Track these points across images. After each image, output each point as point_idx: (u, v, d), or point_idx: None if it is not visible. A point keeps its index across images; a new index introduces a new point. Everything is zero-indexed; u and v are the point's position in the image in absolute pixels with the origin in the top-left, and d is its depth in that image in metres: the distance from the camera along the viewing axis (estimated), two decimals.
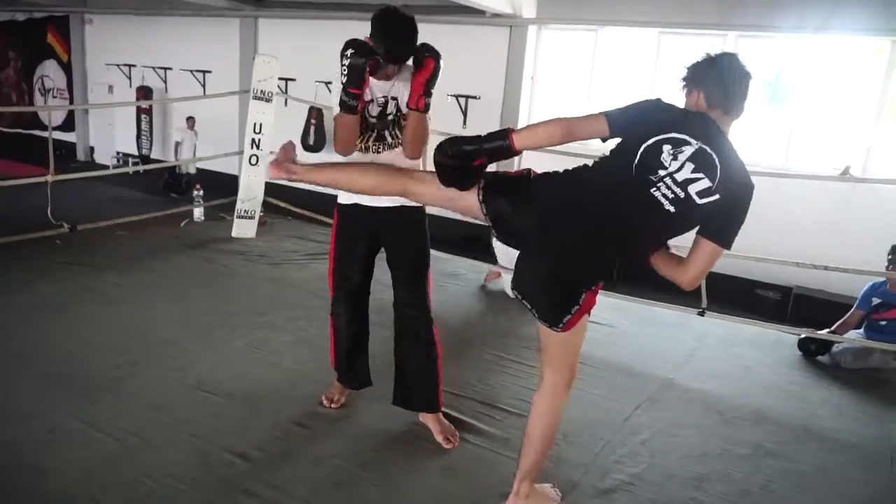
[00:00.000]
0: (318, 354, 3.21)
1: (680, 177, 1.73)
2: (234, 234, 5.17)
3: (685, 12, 7.77)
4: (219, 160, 6.62)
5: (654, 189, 1.75)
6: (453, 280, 4.70)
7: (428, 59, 2.31)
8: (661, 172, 1.74)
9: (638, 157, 1.76)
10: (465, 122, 9.57)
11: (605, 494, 2.33)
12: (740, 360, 3.60)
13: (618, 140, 1.84)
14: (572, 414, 2.84)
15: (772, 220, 7.50)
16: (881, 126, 7.44)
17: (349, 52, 2.27)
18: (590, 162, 1.91)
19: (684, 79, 1.90)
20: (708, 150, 1.73)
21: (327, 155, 7.26)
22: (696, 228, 1.82)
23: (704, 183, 1.73)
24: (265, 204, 5.47)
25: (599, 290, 1.95)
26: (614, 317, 4.08)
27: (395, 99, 2.41)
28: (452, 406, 2.79)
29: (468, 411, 2.79)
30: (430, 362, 2.56)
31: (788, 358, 3.74)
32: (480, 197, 1.95)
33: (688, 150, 1.73)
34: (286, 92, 10.62)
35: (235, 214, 5.18)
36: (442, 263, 4.94)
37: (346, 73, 2.26)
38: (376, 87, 2.39)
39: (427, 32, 9.02)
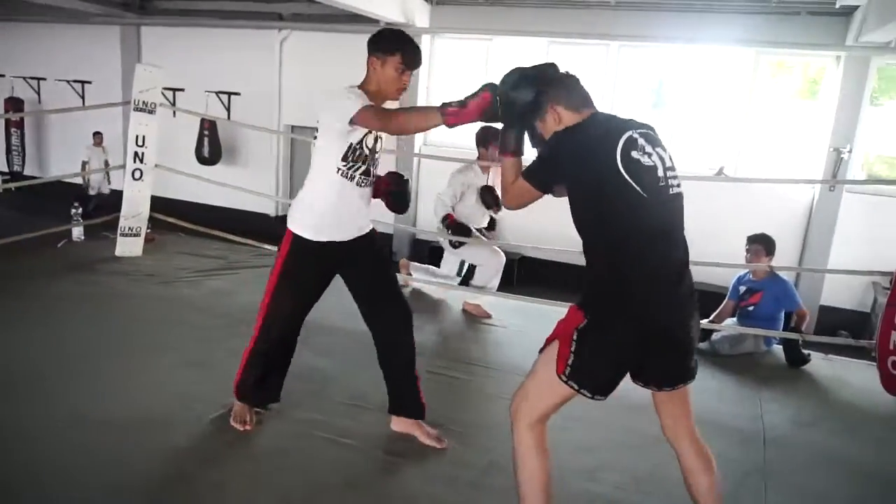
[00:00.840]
0: (211, 375, 3.09)
1: (668, 163, 1.81)
2: (118, 253, 4.88)
3: (573, 23, 8.10)
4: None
5: (671, 189, 1.79)
6: None
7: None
8: (660, 174, 1.77)
9: (632, 182, 1.72)
10: None
11: (503, 492, 2.37)
12: None
13: (580, 199, 1.81)
14: (469, 416, 2.89)
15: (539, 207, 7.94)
16: (749, 129, 8.03)
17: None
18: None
19: (535, 109, 1.93)
20: (643, 131, 1.81)
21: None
22: None
23: (667, 151, 1.84)
24: (152, 220, 5.21)
25: None
26: (507, 317, 4.17)
27: (378, 138, 2.40)
28: (352, 416, 2.77)
29: (371, 421, 2.76)
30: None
31: None
32: (569, 383, 1.80)
33: (641, 141, 1.77)
34: (174, 103, 10.19)
35: (119, 232, 4.90)
36: None
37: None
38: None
39: (321, 42, 9.00)
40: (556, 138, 1.85)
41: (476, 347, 3.77)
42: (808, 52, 7.81)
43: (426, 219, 9.56)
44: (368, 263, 2.51)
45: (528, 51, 8.69)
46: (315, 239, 2.40)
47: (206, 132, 9.96)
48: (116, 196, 6.18)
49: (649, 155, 1.75)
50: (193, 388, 2.97)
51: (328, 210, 2.40)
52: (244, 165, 10.55)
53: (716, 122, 8.15)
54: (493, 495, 2.35)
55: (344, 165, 2.34)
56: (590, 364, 1.79)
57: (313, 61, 9.85)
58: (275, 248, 5.18)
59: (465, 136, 9.18)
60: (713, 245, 5.61)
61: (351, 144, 2.33)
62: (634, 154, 1.73)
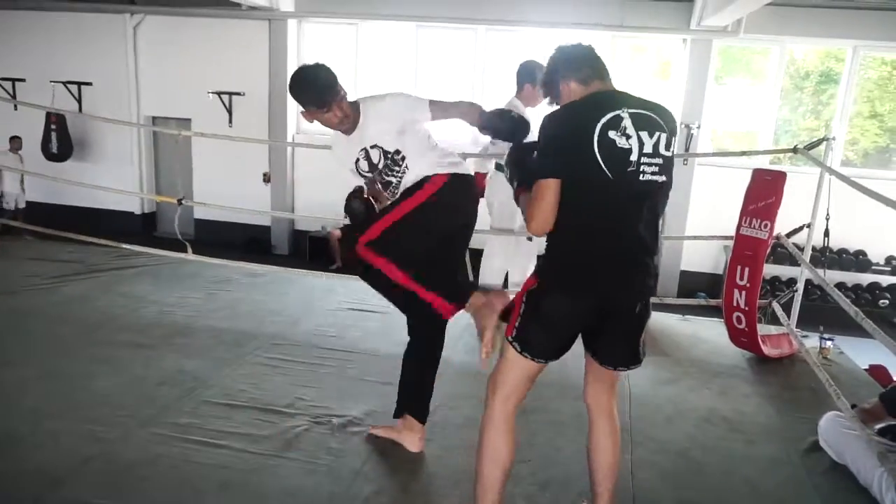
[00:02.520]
0: (70, 387, 2.87)
1: (648, 148, 1.73)
2: None
3: (439, 6, 8.16)
4: None
5: (641, 175, 1.73)
6: (225, 286, 4.46)
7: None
8: (633, 158, 1.72)
9: (601, 162, 1.70)
10: (230, 121, 9.16)
11: (383, 479, 2.38)
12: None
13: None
14: (371, 404, 2.87)
15: None
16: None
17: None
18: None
19: (547, 85, 1.96)
20: (637, 110, 1.75)
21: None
22: None
23: (664, 136, 1.77)
24: None
25: None
26: (384, 303, 4.15)
27: (375, 147, 2.35)
28: (224, 417, 2.67)
29: (245, 420, 2.67)
30: None
31: None
32: (514, 343, 1.84)
33: (627, 123, 1.72)
34: (14, 95, 9.30)
35: None
36: (215, 270, 4.67)
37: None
38: (350, 146, 2.39)
39: (179, 27, 8.56)
40: (545, 121, 1.81)
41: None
42: (657, 36, 8.33)
43: (304, 208, 9.36)
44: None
45: (397, 35, 8.68)
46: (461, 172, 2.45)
47: (53, 126, 9.17)
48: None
49: (628, 137, 1.71)
50: (47, 402, 2.74)
51: None
52: (100, 161, 9.83)
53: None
54: (370, 483, 2.34)
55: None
56: (531, 326, 1.84)
57: (172, 48, 9.31)
58: (139, 248, 4.91)
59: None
60: None
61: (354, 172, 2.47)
62: (612, 134, 1.71)
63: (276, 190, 9.35)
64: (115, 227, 8.52)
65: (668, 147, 1.78)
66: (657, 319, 4.34)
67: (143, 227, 9.77)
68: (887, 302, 7.88)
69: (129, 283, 4.40)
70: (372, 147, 2.36)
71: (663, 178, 1.78)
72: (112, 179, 8.96)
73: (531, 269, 3.96)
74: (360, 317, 3.95)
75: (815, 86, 8.56)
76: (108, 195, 8.65)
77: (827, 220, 3.71)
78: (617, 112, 1.73)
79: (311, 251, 9.26)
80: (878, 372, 3.80)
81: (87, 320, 3.68)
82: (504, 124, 2.35)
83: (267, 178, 9.37)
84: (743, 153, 6.47)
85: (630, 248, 1.81)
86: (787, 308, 4.00)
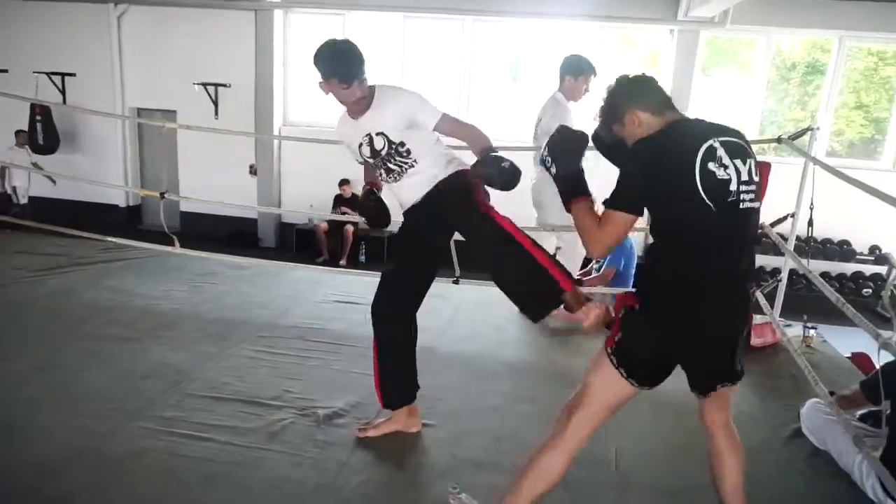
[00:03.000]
0: (60, 380, 2.86)
1: (745, 176, 1.73)
2: None
3: None
4: None
5: (742, 203, 1.73)
6: (211, 279, 4.44)
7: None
8: (733, 188, 1.71)
9: (704, 195, 1.68)
10: (216, 113, 9.09)
11: (377, 466, 2.39)
12: (493, 321, 3.90)
13: (654, 207, 1.77)
14: (357, 396, 2.87)
15: (520, 192, 8.24)
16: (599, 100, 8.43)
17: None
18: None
19: (612, 110, 1.87)
20: (725, 139, 1.74)
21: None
22: None
23: (752, 162, 1.76)
24: None
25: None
26: (370, 295, 4.14)
27: (380, 134, 2.37)
28: (209, 410, 2.67)
29: (230, 413, 2.67)
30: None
31: None
32: (624, 375, 1.81)
33: (721, 153, 1.71)
34: None
35: None
36: (201, 263, 4.65)
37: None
38: (355, 129, 2.41)
39: (163, 18, 8.45)
40: (636, 150, 1.79)
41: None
42: (643, 27, 8.34)
43: (292, 200, 9.34)
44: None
45: (384, 25, 8.64)
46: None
47: (38, 118, 9.06)
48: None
49: (725, 167, 1.70)
50: (39, 395, 2.73)
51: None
52: (86, 153, 9.73)
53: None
54: (356, 475, 2.35)
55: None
56: (633, 348, 1.82)
57: (157, 39, 9.22)
58: (125, 241, 4.87)
59: (324, 114, 9.04)
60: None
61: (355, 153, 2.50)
62: (711, 165, 1.69)
63: (262, 182, 9.30)
64: (101, 219, 8.46)
65: (755, 173, 1.78)
66: None
67: (128, 221, 9.70)
68: (871, 291, 7.96)
69: (115, 276, 4.37)
70: (377, 134, 2.38)
71: (757, 203, 1.78)
72: (98, 172, 8.89)
73: None
74: (346, 309, 3.94)
75: (802, 77, 8.60)
76: (93, 188, 8.58)
77: (811, 209, 3.74)
78: (710, 142, 1.71)
79: (297, 244, 9.23)
80: (860, 360, 3.84)
81: (75, 313, 3.66)
82: (496, 175, 2.25)
83: (253, 171, 9.32)
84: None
85: (734, 277, 1.80)
86: (770, 297, 4.03)
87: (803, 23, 7.86)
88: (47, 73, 9.34)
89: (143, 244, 4.68)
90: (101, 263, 4.60)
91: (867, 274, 8.17)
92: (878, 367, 2.45)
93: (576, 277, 2.26)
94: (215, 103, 9.11)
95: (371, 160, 2.45)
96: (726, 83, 8.59)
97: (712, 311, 1.80)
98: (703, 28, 7.90)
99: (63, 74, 9.38)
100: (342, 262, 8.71)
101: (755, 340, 3.71)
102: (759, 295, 4.02)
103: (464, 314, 4.03)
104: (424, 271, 2.55)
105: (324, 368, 3.14)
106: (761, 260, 7.81)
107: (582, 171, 1.91)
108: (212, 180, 8.82)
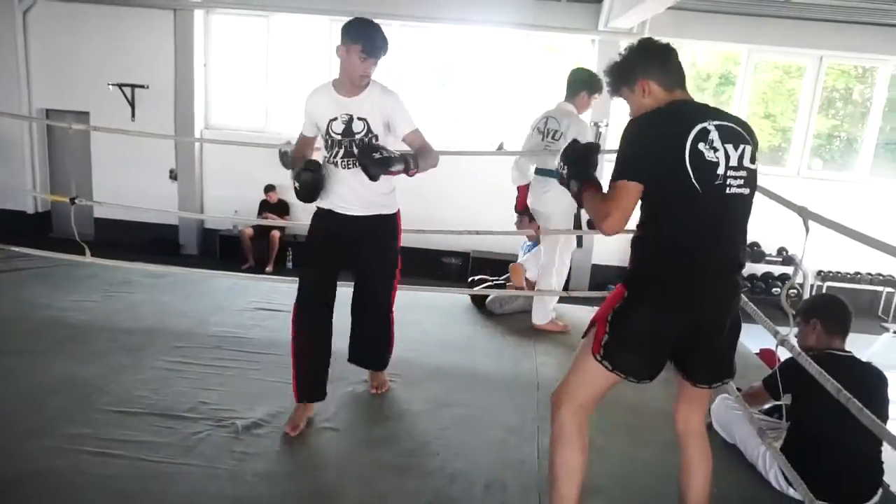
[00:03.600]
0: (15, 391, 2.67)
1: (734, 161, 1.71)
2: None
3: (352, 2, 8.04)
4: None
5: (728, 188, 1.71)
6: (126, 288, 4.25)
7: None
8: (720, 171, 1.70)
9: (692, 176, 1.68)
10: (133, 115, 8.74)
11: (296, 476, 2.34)
12: (419, 325, 3.89)
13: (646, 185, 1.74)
14: (277, 405, 2.79)
15: (450, 196, 8.30)
16: (523, 105, 8.62)
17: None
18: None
19: (622, 75, 1.86)
20: (722, 123, 1.73)
21: None
22: None
23: (749, 148, 1.74)
24: None
25: None
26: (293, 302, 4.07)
27: (362, 119, 2.46)
28: (121, 425, 2.55)
29: (143, 427, 2.56)
30: (386, 333, 2.86)
31: (460, 316, 4.16)
32: (603, 362, 1.81)
33: (714, 135, 1.70)
34: None
35: None
36: (115, 272, 4.44)
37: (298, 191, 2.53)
38: (337, 105, 2.47)
39: (73, 13, 8.07)
40: (634, 125, 1.79)
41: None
42: (566, 35, 8.56)
43: (215, 206, 9.07)
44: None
45: (310, 28, 8.53)
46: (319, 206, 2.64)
47: None
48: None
49: (715, 150, 1.69)
50: None
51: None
52: None
53: (496, 100, 8.66)
54: (275, 485, 2.30)
55: (326, 155, 2.57)
56: (622, 344, 1.79)
57: (68, 36, 8.78)
58: (30, 251, 4.60)
59: (246, 118, 8.82)
60: (501, 216, 5.98)
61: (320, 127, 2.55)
62: (701, 146, 1.69)
63: (183, 187, 8.98)
64: (6, 227, 7.97)
65: (752, 160, 1.77)
66: (566, 312, 4.45)
67: (37, 228, 9.16)
68: (779, 290, 8.42)
69: (19, 286, 4.12)
70: (359, 118, 2.47)
71: (748, 190, 1.77)
72: (3, 176, 8.38)
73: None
74: (266, 316, 3.84)
75: (716, 87, 9.03)
76: None
77: None
78: (704, 124, 1.71)
79: (222, 251, 8.97)
80: (766, 355, 4.05)
81: None
82: (369, 164, 2.36)
83: (174, 175, 9.00)
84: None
85: (720, 263, 1.79)
86: None
87: (716, 35, 8.26)
88: None
89: (50, 253, 4.42)
90: (4, 273, 4.33)
91: (776, 274, 8.63)
92: (778, 362, 2.58)
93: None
94: (132, 105, 8.75)
95: (338, 137, 2.50)
96: None
97: (700, 297, 1.78)
98: (622, 38, 8.15)
99: None
100: (268, 268, 8.53)
101: None
102: None
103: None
104: (335, 273, 2.68)
105: (242, 378, 3.05)
106: None
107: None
108: (129, 185, 8.44)
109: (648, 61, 1.84)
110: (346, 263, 2.68)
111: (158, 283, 4.40)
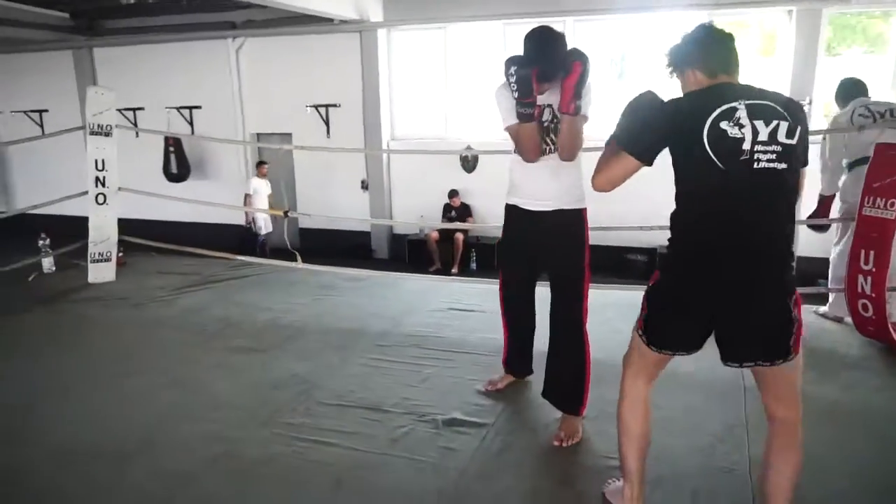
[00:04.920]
0: (193, 392, 3.08)
1: (763, 136, 1.70)
2: (90, 280, 4.83)
3: (525, 2, 8.08)
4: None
5: (756, 163, 1.70)
6: (330, 291, 4.63)
7: (575, 64, 2.31)
8: (746, 147, 1.69)
9: (711, 153, 1.70)
10: (328, 132, 9.50)
11: (496, 474, 2.39)
12: (610, 324, 3.78)
13: (673, 166, 1.81)
14: (473, 402, 2.89)
15: (632, 190, 8.01)
16: None
17: (513, 68, 2.33)
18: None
19: (672, 64, 1.94)
20: (755, 101, 1.73)
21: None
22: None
23: (784, 125, 1.71)
24: (122, 243, 5.16)
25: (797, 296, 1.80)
26: (482, 302, 4.15)
27: (549, 106, 2.49)
28: (335, 417, 2.77)
29: (354, 419, 2.76)
30: (578, 367, 2.65)
31: None
32: (642, 337, 1.95)
33: (742, 113, 1.70)
34: (136, 123, 10.08)
35: (89, 259, 4.84)
36: (320, 276, 4.87)
37: (515, 86, 2.34)
38: (540, 97, 2.49)
39: (277, 46, 8.91)
40: (663, 104, 1.86)
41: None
42: (758, 10, 7.87)
43: (401, 212, 9.57)
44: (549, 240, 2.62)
45: (485, 34, 8.69)
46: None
47: (171, 149, 9.89)
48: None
49: (741, 127, 1.69)
50: (176, 407, 2.95)
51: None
52: (214, 178, 10.47)
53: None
54: (476, 481, 2.36)
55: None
56: (656, 319, 1.91)
57: (271, 67, 9.78)
58: (250, 259, 5.20)
59: (428, 127, 9.20)
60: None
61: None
62: (724, 124, 1.69)
63: (374, 196, 9.61)
64: (228, 240, 9.05)
65: (790, 135, 1.71)
66: None
67: (255, 239, 10.30)
68: None
69: (242, 292, 4.66)
70: (548, 106, 2.50)
71: (783, 165, 1.71)
72: (225, 195, 9.51)
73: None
74: (458, 316, 3.98)
75: None
76: (220, 210, 9.19)
77: None
78: (733, 104, 1.71)
79: (410, 254, 9.45)
80: None
81: (206, 328, 3.93)
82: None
83: (365, 186, 9.64)
84: (861, 128, 5.97)
85: (750, 237, 1.74)
86: None
87: None
88: (177, 108, 10.17)
89: (267, 261, 4.96)
90: (229, 280, 4.92)
91: None
92: None
93: None
94: (327, 123, 9.52)
95: (543, 122, 2.52)
96: (856, 62, 7.92)
97: (726, 273, 1.76)
98: (825, 5, 7.34)
99: (191, 108, 10.18)
100: (454, 270, 8.82)
101: None
102: None
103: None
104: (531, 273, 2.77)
105: (440, 376, 3.18)
106: None
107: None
108: (327, 197, 9.21)
109: (699, 52, 1.87)
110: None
111: (357, 286, 4.74)
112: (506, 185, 2.71)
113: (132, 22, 10.18)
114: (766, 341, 1.78)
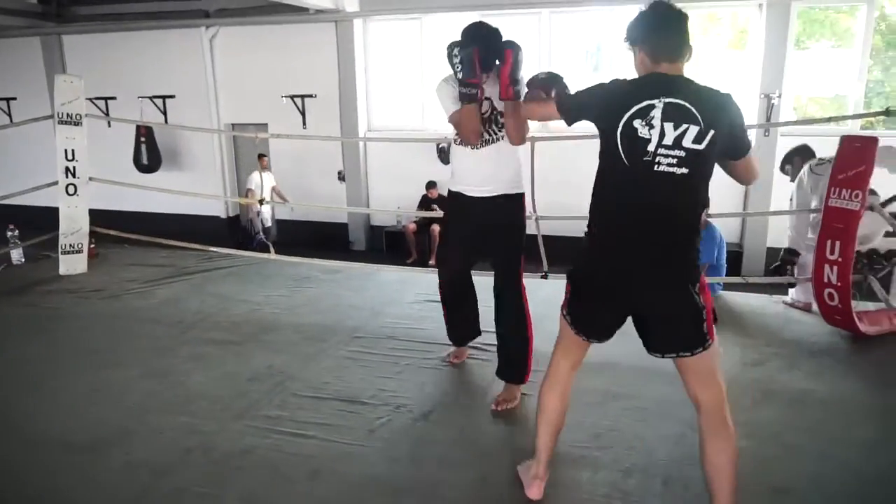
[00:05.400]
0: (168, 384, 3.06)
1: (668, 140, 1.75)
2: (61, 271, 4.76)
3: None
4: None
5: (656, 166, 1.77)
6: (306, 283, 4.62)
7: (507, 52, 2.46)
8: (650, 148, 1.76)
9: (620, 148, 1.80)
10: (304, 122, 9.42)
11: (472, 463, 2.42)
12: None
13: (599, 135, 1.91)
14: (450, 394, 2.92)
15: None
16: None
17: (456, 49, 2.51)
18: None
19: (626, 40, 1.96)
20: (674, 100, 1.75)
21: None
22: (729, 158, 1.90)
23: (693, 129, 1.75)
24: (95, 234, 5.09)
25: (704, 284, 1.86)
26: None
27: (488, 98, 2.61)
28: (311, 409, 2.78)
29: (330, 411, 2.77)
30: (522, 340, 2.77)
31: None
32: (568, 320, 2.04)
33: (656, 112, 1.75)
34: (107, 112, 9.90)
35: (60, 251, 4.77)
36: (296, 268, 4.85)
37: (459, 66, 2.48)
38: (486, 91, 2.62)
39: (251, 35, 8.81)
40: (609, 82, 1.92)
41: None
42: (730, 3, 7.96)
43: (378, 203, 9.55)
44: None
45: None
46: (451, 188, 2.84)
47: (142, 139, 9.71)
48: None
49: (651, 128, 1.75)
50: (150, 399, 2.93)
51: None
52: (187, 169, 10.34)
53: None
54: (453, 471, 2.38)
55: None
56: (571, 301, 2.01)
57: (246, 56, 9.66)
58: (225, 251, 5.15)
59: (405, 118, 9.18)
60: None
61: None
62: (636, 123, 1.76)
63: (350, 187, 9.57)
64: (202, 231, 8.95)
65: (697, 140, 1.75)
66: (741, 300, 4.19)
67: (228, 231, 10.21)
68: None
69: (217, 283, 4.63)
70: (486, 98, 2.63)
71: (684, 170, 1.76)
72: (199, 186, 9.40)
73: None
74: (435, 308, 3.96)
75: None
76: (195, 201, 9.10)
77: None
78: (653, 101, 1.76)
79: (387, 245, 9.44)
80: None
81: (182, 320, 3.90)
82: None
83: (342, 177, 9.59)
84: (829, 119, 6.07)
85: (637, 237, 1.84)
86: (886, 282, 3.77)
87: None
88: (150, 97, 10.00)
89: (242, 252, 4.92)
90: (205, 272, 4.88)
91: None
92: None
93: None
94: (303, 113, 9.45)
95: (485, 115, 2.66)
96: (824, 56, 8.06)
97: (619, 265, 1.88)
98: (795, 0, 7.46)
99: (164, 97, 10.01)
100: (431, 261, 8.83)
101: (869, 328, 3.49)
102: (872, 280, 3.77)
103: (554, 309, 3.98)
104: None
105: (416, 367, 3.20)
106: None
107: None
108: (303, 188, 9.15)
109: (646, 32, 1.88)
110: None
111: (334, 277, 4.73)
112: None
113: (103, 9, 9.98)
114: (683, 333, 1.86)
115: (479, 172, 2.68)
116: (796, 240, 4.07)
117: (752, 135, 7.72)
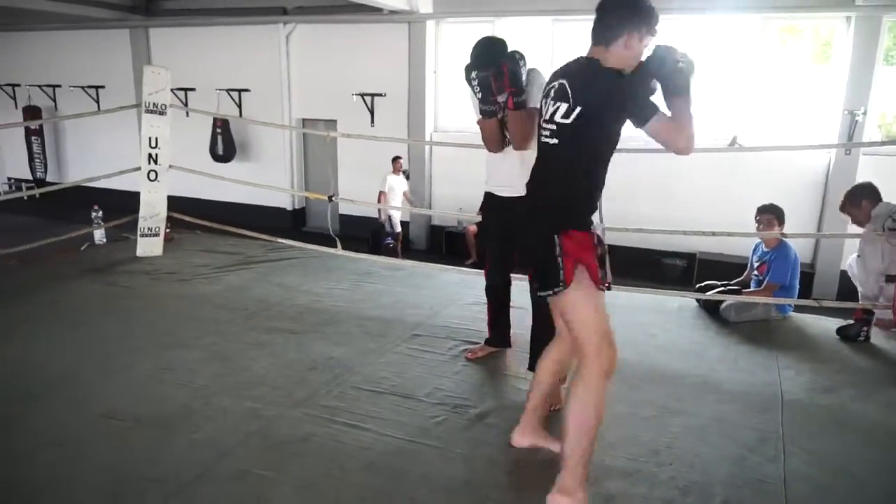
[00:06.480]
0: (233, 368, 3.17)
1: (547, 114, 2.09)
2: (138, 253, 4.99)
3: (574, 0, 8.01)
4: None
5: (542, 137, 2.15)
6: (368, 279, 4.69)
7: (502, 66, 2.62)
8: (540, 122, 2.16)
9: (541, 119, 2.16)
10: (372, 121, 9.57)
11: (525, 467, 2.42)
12: (645, 328, 3.78)
13: None
14: (506, 397, 2.92)
15: (673, 194, 7.91)
16: (760, 96, 7.91)
17: (473, 73, 2.71)
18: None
19: (609, 33, 2.12)
20: (563, 81, 2.04)
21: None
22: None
23: (563, 106, 2.03)
24: (171, 220, 5.31)
25: (575, 237, 2.05)
26: (516, 298, 4.14)
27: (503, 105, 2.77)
28: (368, 402, 2.83)
29: (387, 406, 2.82)
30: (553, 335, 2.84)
31: (689, 321, 3.96)
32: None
33: (553, 91, 2.08)
34: (186, 103, 10.31)
35: (138, 233, 5.00)
36: (359, 263, 4.94)
37: (478, 89, 2.71)
38: None
39: (326, 34, 9.02)
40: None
41: None
42: (815, 15, 7.67)
43: (441, 203, 9.61)
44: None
45: (533, 29, 8.65)
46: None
47: (219, 130, 10.09)
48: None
49: (546, 104, 2.11)
50: (215, 381, 3.04)
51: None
52: (258, 161, 10.66)
53: (727, 91, 8.05)
54: (506, 474, 2.39)
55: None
56: None
57: (320, 53, 9.89)
58: (290, 242, 5.29)
59: (471, 120, 9.18)
60: (730, 216, 5.58)
61: None
62: (545, 100, 2.13)
63: (414, 187, 9.66)
64: (269, 222, 9.21)
65: (565, 116, 2.01)
66: (811, 322, 4.02)
67: (293, 223, 10.48)
68: None
69: (282, 273, 4.76)
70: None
71: (555, 140, 2.08)
72: (268, 177, 9.69)
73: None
74: None
75: None
76: (264, 192, 9.36)
77: None
78: (559, 81, 2.06)
79: (447, 246, 9.49)
80: None
81: (247, 307, 4.03)
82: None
83: (406, 176, 9.69)
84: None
85: (533, 190, 2.25)
86: None
87: None
88: (227, 90, 10.36)
89: (308, 245, 5.05)
90: (270, 262, 5.03)
91: None
92: None
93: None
94: (371, 112, 9.60)
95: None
96: None
97: (515, 221, 2.32)
98: (887, 13, 7.12)
99: (240, 91, 10.36)
100: None
101: None
102: None
103: (614, 320, 3.93)
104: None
105: (473, 369, 3.22)
106: None
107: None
108: (367, 186, 9.29)
109: (640, 17, 2.09)
110: None
111: (395, 275, 4.80)
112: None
113: (188, 4, 10.41)
114: (540, 272, 2.13)
115: (505, 174, 2.86)
116: (867, 296, 3.86)
117: (832, 154, 7.43)
